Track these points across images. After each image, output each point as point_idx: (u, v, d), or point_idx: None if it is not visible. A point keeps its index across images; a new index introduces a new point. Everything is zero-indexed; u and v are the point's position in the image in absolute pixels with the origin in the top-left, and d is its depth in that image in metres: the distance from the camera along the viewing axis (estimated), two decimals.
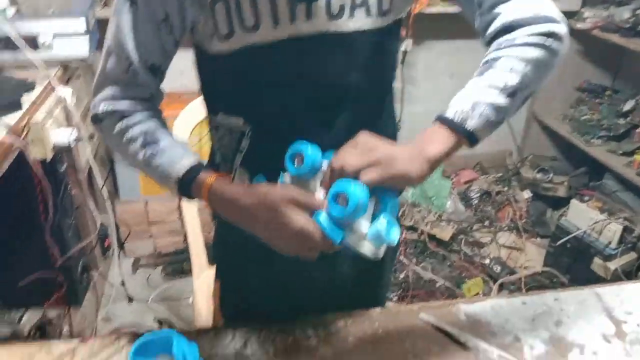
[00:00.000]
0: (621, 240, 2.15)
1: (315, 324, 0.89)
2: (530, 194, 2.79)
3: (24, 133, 1.35)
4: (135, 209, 2.40)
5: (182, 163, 0.76)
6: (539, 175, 2.80)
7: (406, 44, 2.42)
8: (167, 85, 0.87)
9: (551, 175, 2.78)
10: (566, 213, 2.40)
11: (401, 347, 0.86)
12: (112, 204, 2.17)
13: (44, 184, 1.40)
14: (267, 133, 0.81)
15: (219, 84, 0.84)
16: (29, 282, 1.68)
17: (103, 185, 1.90)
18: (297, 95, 0.79)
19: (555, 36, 0.72)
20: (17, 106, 1.39)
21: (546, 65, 0.73)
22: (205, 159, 0.89)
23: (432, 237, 2.42)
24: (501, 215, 2.68)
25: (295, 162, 0.70)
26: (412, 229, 2.46)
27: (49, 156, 1.45)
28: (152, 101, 0.84)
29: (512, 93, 0.71)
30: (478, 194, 2.78)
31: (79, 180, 1.82)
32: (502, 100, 0.71)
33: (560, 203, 2.72)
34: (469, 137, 0.71)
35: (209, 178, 0.75)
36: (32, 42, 1.59)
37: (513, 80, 0.71)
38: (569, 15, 2.61)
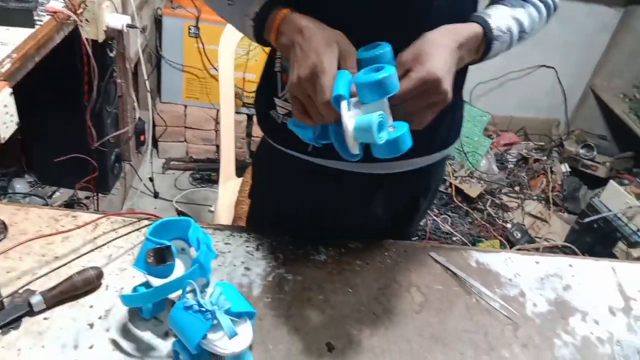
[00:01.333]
0: None
1: (328, 242, 0.91)
2: (569, 168, 2.72)
3: (80, 10, 1.36)
4: (174, 110, 2.44)
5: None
6: (582, 151, 2.72)
7: None
8: None
9: (595, 153, 2.70)
10: (601, 193, 2.35)
11: (406, 278, 0.87)
12: (153, 101, 2.21)
13: (92, 65, 1.42)
14: None
15: None
16: (63, 161, 1.75)
17: (147, 78, 1.92)
18: (373, 13, 0.74)
19: (556, 5, 0.87)
20: None
21: (543, 24, 0.87)
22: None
23: (458, 192, 2.40)
24: (533, 183, 2.63)
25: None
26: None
27: (101, 38, 1.46)
28: None
29: (521, 37, 0.81)
30: (515, 159, 2.72)
31: (125, 69, 1.85)
32: (516, 38, 0.80)
33: (598, 183, 2.64)
34: (484, 55, 0.77)
35: (285, 9, 0.73)
36: None
37: (530, 27, 0.82)
38: None
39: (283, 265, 0.85)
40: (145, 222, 0.89)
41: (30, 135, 1.84)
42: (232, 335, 0.61)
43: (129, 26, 1.53)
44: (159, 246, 0.66)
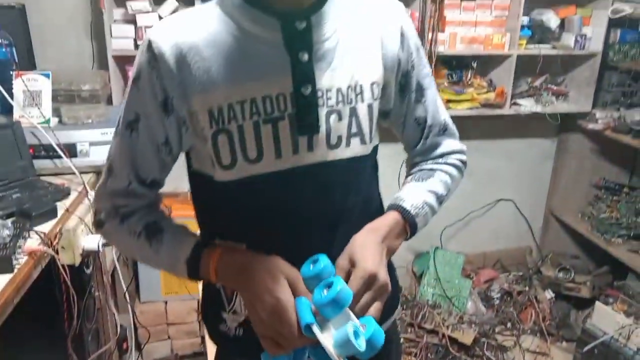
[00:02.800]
0: None
1: None
2: (553, 294, 2.74)
3: (56, 240, 1.40)
4: (155, 309, 2.40)
5: (187, 243, 0.81)
6: (560, 275, 2.77)
7: None
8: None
9: (573, 274, 2.74)
10: (591, 315, 2.34)
11: None
12: (132, 307, 2.18)
13: (71, 291, 1.42)
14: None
15: (217, 209, 0.85)
16: None
17: (127, 287, 1.91)
18: (299, 220, 0.81)
19: (465, 164, 0.97)
20: (53, 214, 1.45)
21: (458, 183, 0.96)
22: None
23: (453, 341, 2.36)
24: (524, 316, 2.61)
25: (311, 266, 0.73)
26: (433, 332, 2.40)
27: (77, 261, 1.48)
28: (151, 205, 0.87)
29: (441, 201, 0.91)
30: (499, 294, 2.73)
31: (102, 282, 1.84)
32: (436, 205, 0.90)
33: (585, 304, 2.66)
34: (412, 232, 0.87)
35: (217, 248, 0.80)
36: (71, 150, 1.69)
37: (444, 191, 0.92)
38: (580, 115, 2.70)
39: None
40: None
41: None
42: None
43: (105, 245, 1.56)
44: None
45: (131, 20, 2.14)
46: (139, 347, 2.38)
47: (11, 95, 1.72)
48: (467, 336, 2.35)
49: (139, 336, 2.38)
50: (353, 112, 0.80)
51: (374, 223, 0.83)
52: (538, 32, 2.55)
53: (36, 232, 1.35)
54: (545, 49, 2.53)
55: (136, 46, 2.16)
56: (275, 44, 0.74)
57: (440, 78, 2.51)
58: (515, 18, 2.43)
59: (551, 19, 2.49)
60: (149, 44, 0.73)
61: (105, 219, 0.85)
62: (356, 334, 0.66)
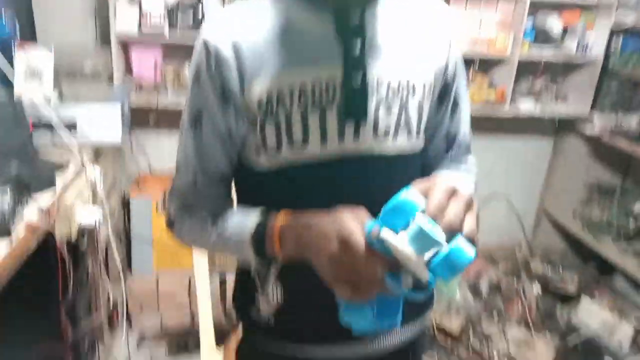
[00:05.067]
0: (634, 341, 2.12)
1: None
2: (540, 289, 2.78)
3: (54, 215, 1.42)
4: (146, 282, 2.43)
5: (251, 219, 0.78)
6: (548, 270, 2.81)
7: None
8: None
9: (561, 270, 2.79)
10: (576, 310, 2.39)
11: None
12: (124, 279, 2.21)
13: (67, 264, 1.45)
14: None
15: (259, 201, 0.83)
16: (36, 357, 1.69)
17: (120, 261, 1.94)
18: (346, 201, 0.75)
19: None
20: (51, 188, 1.46)
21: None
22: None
23: (440, 329, 2.40)
24: (510, 308, 2.66)
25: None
26: None
27: (74, 236, 1.51)
28: (220, 207, 0.86)
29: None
30: (487, 286, 2.77)
31: (97, 256, 1.87)
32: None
33: (571, 299, 2.70)
34: None
35: (278, 219, 0.75)
36: (71, 125, 1.71)
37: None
38: (579, 119, 2.72)
39: None
40: None
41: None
42: None
43: (101, 220, 1.59)
44: None
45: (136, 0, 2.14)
46: (129, 319, 2.42)
47: (12, 66, 1.73)
48: (454, 325, 2.39)
49: (129, 309, 2.42)
50: (403, 107, 0.80)
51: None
52: (541, 35, 2.56)
53: (34, 204, 1.37)
54: (547, 52, 2.54)
55: (140, 28, 2.16)
56: (328, 35, 0.76)
57: None
58: (519, 20, 2.44)
59: (554, 24, 2.50)
60: (204, 44, 0.76)
61: (174, 219, 0.87)
62: (432, 222, 0.59)
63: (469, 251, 0.60)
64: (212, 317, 1.58)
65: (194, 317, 2.48)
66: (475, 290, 2.76)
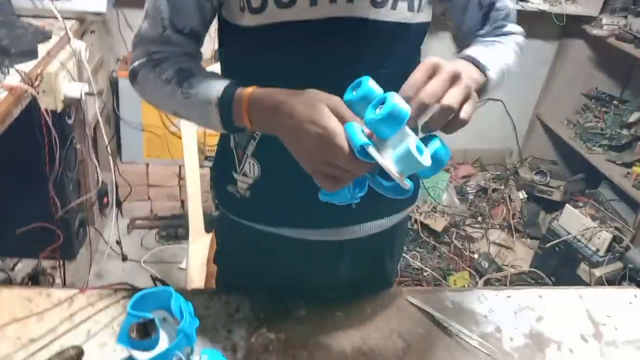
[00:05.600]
0: (609, 249, 2.19)
1: (307, 297, 0.92)
2: (526, 195, 2.82)
3: (37, 82, 1.37)
4: (137, 170, 2.43)
5: (220, 83, 0.73)
6: (536, 177, 2.83)
7: None
8: None
9: (548, 178, 2.81)
10: (559, 217, 2.44)
11: (387, 325, 0.89)
12: (114, 163, 2.19)
13: (52, 135, 1.42)
14: None
15: (242, 59, 0.81)
16: (25, 232, 1.71)
17: (108, 143, 1.92)
18: (325, 79, 0.70)
19: (522, 50, 0.90)
20: (33, 54, 1.40)
21: (518, 63, 0.88)
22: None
23: (424, 227, 2.46)
24: (495, 212, 2.71)
25: (354, 92, 0.64)
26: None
27: (59, 107, 1.46)
28: (187, 54, 0.82)
29: (507, 72, 0.82)
30: (474, 190, 2.81)
31: (84, 134, 1.84)
32: (504, 75, 0.82)
33: (555, 207, 2.75)
34: (484, 85, 0.76)
35: (249, 88, 0.71)
36: None
37: (511, 61, 0.84)
38: (586, 20, 2.62)
39: (265, 324, 0.86)
40: (123, 292, 0.88)
41: None
42: None
43: (87, 94, 1.54)
44: (141, 320, 0.66)
45: None
46: (119, 204, 2.44)
47: None
48: (438, 223, 2.44)
49: (119, 194, 2.43)
50: None
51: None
52: None
53: (16, 70, 1.31)
54: None
55: None
56: None
57: None
58: None
59: None
60: None
61: (138, 68, 0.81)
62: (419, 148, 0.59)
63: (446, 153, 0.64)
64: (201, 206, 1.59)
65: (183, 205, 2.51)
66: (462, 193, 2.80)
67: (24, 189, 1.68)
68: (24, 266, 1.91)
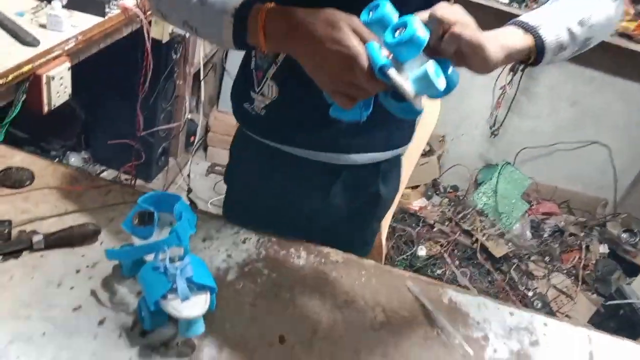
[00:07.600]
0: None
1: (311, 249, 0.97)
2: (607, 250, 2.63)
3: (149, 12, 1.52)
4: (229, 120, 2.58)
5: None
6: (624, 235, 2.64)
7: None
8: None
9: (638, 239, 2.60)
10: (634, 281, 2.26)
11: (374, 297, 0.91)
12: (210, 108, 2.35)
13: (149, 61, 1.57)
14: None
15: None
16: (115, 145, 1.90)
17: (203, 88, 2.07)
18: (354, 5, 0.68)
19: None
20: None
21: (610, 24, 0.81)
22: None
23: (483, 249, 2.38)
24: (565, 257, 2.56)
25: (370, 14, 0.66)
26: (468, 233, 2.43)
27: (165, 39, 1.61)
28: None
29: (585, 27, 0.76)
30: (551, 229, 2.67)
31: (185, 73, 2.00)
32: (575, 28, 0.75)
33: (635, 271, 2.54)
34: (539, 45, 0.72)
35: (267, 3, 0.70)
36: None
37: (588, 14, 0.76)
38: None
39: (263, 261, 0.92)
40: None
41: (91, 117, 2.02)
42: (184, 298, 0.68)
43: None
44: (144, 210, 0.75)
45: None
46: (205, 147, 2.61)
47: None
48: (498, 249, 2.36)
49: (207, 140, 2.60)
50: None
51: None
52: None
53: None
54: None
55: None
56: None
57: None
58: None
59: None
60: None
61: None
62: (437, 71, 0.62)
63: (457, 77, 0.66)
64: None
65: None
66: (536, 229, 2.67)
67: (119, 106, 1.87)
68: (108, 175, 2.13)
